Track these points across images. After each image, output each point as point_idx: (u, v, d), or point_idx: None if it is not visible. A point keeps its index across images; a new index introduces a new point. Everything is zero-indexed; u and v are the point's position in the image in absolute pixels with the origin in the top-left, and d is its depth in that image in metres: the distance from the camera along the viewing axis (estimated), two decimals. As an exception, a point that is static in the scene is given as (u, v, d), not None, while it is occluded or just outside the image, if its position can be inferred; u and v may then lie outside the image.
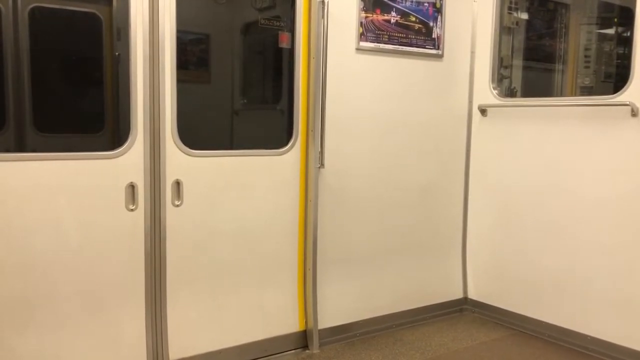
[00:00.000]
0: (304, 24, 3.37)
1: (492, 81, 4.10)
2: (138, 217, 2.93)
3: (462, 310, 4.31)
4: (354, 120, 3.64)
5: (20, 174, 2.62)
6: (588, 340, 3.55)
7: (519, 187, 3.93)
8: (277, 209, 3.40)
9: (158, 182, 2.97)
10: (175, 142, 3.00)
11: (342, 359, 3.44)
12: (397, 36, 3.75)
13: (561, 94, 4.60)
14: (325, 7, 3.34)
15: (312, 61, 3.37)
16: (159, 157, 2.96)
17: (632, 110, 3.26)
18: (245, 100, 4.42)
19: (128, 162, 2.87)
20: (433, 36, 3.93)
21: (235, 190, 3.23)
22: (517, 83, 4.39)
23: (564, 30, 4.57)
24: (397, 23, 3.74)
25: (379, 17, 3.65)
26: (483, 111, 4.16)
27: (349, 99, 3.60)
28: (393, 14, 3.71)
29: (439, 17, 3.95)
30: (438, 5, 3.93)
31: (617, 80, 4.25)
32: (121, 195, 2.87)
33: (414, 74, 3.89)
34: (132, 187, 2.89)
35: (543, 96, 4.30)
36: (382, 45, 3.68)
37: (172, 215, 3.02)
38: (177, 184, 3.03)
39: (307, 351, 3.51)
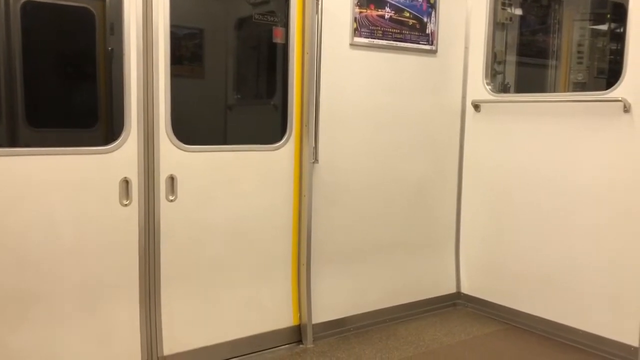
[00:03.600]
0: (298, 19, 3.37)
1: (486, 77, 4.11)
2: (132, 212, 2.92)
3: (456, 304, 4.33)
4: (348, 115, 3.64)
5: (13, 169, 2.60)
6: (580, 334, 3.57)
7: (512, 182, 3.95)
8: (271, 204, 3.40)
9: (152, 177, 2.96)
10: (169, 137, 2.99)
11: (336, 353, 3.45)
12: (391, 32, 3.75)
13: (554, 89, 4.62)
14: (320, 3, 3.34)
15: (306, 56, 3.37)
16: (153, 152, 2.95)
17: (625, 106, 3.28)
18: (239, 95, 4.42)
19: (122, 157, 2.86)
20: (427, 32, 3.93)
21: (229, 186, 3.23)
22: (510, 79, 4.40)
23: (557, 26, 4.58)
24: (391, 19, 3.74)
25: (373, 12, 3.65)
26: (476, 107, 4.17)
27: (343, 95, 3.59)
28: (387, 9, 3.71)
29: (433, 12, 3.95)
30: (432, 1, 3.93)
31: (610, 76, 4.27)
32: (115, 190, 2.86)
33: (408, 70, 3.89)
34: (126, 182, 2.88)
35: (536, 92, 4.31)
36: (376, 41, 3.68)
37: (166, 211, 3.02)
38: (171, 179, 3.02)
39: (301, 346, 3.52)
